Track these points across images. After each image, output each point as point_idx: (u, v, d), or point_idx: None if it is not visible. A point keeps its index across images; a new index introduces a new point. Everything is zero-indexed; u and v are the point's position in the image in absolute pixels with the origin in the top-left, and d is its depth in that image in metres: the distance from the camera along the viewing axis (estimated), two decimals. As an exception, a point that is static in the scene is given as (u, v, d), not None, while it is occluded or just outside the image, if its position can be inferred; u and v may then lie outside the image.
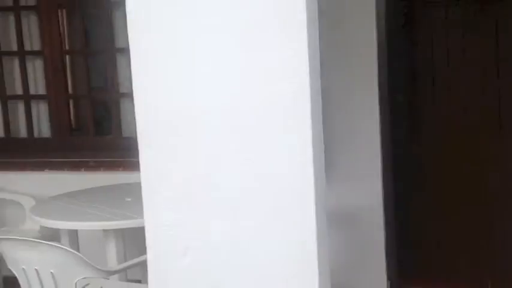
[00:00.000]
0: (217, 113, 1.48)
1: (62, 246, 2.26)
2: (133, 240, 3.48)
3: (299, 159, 1.45)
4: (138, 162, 4.16)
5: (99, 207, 3.13)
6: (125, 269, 2.59)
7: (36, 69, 4.26)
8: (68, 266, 2.27)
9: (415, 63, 3.93)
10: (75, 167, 4.00)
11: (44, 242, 2.28)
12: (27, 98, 4.23)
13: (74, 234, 3.17)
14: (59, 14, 4.21)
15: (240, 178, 1.49)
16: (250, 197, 1.49)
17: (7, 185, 4.03)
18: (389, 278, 3.74)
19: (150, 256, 1.59)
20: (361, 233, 3.68)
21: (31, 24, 4.22)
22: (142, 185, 1.60)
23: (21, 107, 4.29)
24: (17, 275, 2.43)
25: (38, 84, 4.28)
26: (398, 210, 3.92)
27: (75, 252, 2.26)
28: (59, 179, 3.97)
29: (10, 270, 3.82)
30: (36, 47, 4.22)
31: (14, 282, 3.62)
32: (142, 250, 2.99)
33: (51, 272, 2.29)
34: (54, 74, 4.12)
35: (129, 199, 3.29)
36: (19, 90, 4.27)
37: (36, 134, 4.29)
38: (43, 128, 4.33)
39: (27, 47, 4.20)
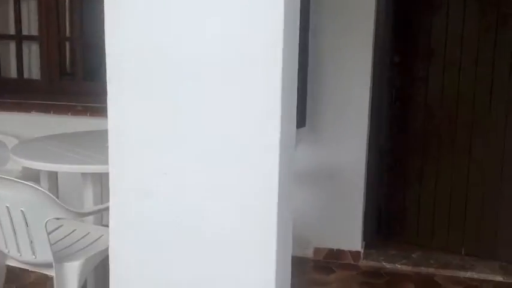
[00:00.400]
0: (190, 55, 1.47)
1: (33, 185, 2.27)
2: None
3: (266, 109, 1.44)
4: None
5: (80, 151, 3.14)
6: (95, 212, 2.62)
7: (31, 10, 4.22)
8: (39, 206, 2.29)
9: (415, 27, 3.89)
10: (62, 110, 4.01)
11: (15, 179, 2.29)
12: (19, 38, 4.20)
13: (53, 176, 3.19)
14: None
15: (205, 125, 1.49)
16: (215, 145, 1.50)
17: (-6, 125, 4.05)
18: (364, 238, 3.81)
19: (113, 198, 1.62)
20: (342, 191, 3.74)
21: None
22: (109, 127, 1.61)
23: (13, 47, 4.27)
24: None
25: (31, 25, 4.25)
26: (381, 171, 3.96)
27: (46, 192, 2.27)
28: (45, 121, 3.99)
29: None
30: (30, -14, 4.18)
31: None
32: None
33: (21, 210, 2.32)
34: (47, 15, 4.08)
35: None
36: (12, 30, 4.24)
37: (26, 75, 4.28)
38: (33, 69, 4.32)
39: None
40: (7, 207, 2.35)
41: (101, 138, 3.52)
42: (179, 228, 1.56)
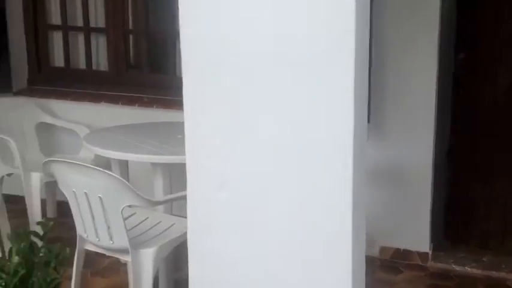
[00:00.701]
0: (264, 49, 1.47)
1: (111, 173, 2.34)
2: (181, 177, 3.57)
3: (340, 109, 1.43)
4: None
5: (151, 141, 3.21)
6: (168, 201, 2.67)
7: (98, 2, 4.32)
8: (115, 193, 2.36)
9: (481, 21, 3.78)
10: (130, 101, 4.10)
11: (93, 167, 2.37)
12: (87, 30, 4.32)
13: (124, 165, 3.28)
14: None
15: (279, 121, 1.49)
16: (288, 140, 1.49)
17: (65, 114, 4.18)
18: (432, 239, 3.73)
19: (190, 188, 1.64)
20: (408, 189, 3.67)
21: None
22: (185, 118, 1.63)
23: (81, 39, 4.38)
24: (67, 196, 2.54)
25: (98, 18, 4.34)
26: (448, 170, 3.86)
27: (123, 180, 2.34)
28: (113, 112, 4.09)
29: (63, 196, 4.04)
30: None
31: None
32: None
33: (99, 197, 2.39)
34: (113, 8, 4.16)
35: (180, 136, 3.36)
36: (80, 23, 4.36)
37: (94, 67, 4.39)
38: (101, 61, 4.42)
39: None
40: (85, 193, 2.42)
41: (169, 129, 3.60)
42: (254, 219, 1.57)
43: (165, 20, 4.43)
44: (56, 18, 4.36)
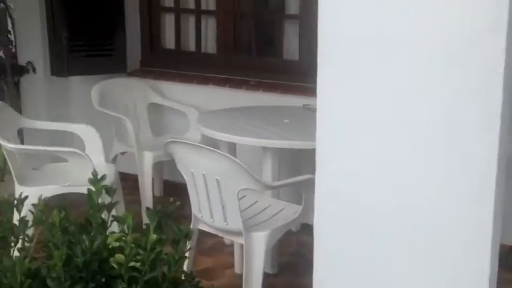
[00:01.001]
0: (409, 40, 1.43)
1: (230, 156, 2.38)
2: (288, 162, 3.59)
3: (486, 93, 1.37)
4: (296, 86, 4.20)
5: (260, 125, 3.24)
6: (284, 186, 2.67)
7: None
8: (233, 175, 2.40)
9: None
10: (237, 84, 4.14)
11: (214, 149, 2.41)
12: (198, 12, 4.40)
13: (232, 148, 3.33)
14: None
15: (418, 110, 1.45)
16: (428, 131, 1.45)
17: (174, 96, 4.29)
18: None
19: (319, 177, 1.63)
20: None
21: None
22: (318, 106, 1.61)
23: (192, 21, 4.47)
24: (185, 176, 2.62)
25: (209, 0, 4.41)
26: None
27: (241, 163, 2.37)
28: (220, 94, 4.15)
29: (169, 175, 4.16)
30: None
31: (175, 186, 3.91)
32: (295, 171, 3.04)
33: (216, 179, 2.44)
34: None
35: (287, 121, 3.37)
36: (192, 5, 4.44)
37: (203, 49, 4.47)
38: (209, 43, 4.49)
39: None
40: (203, 174, 2.48)
41: (276, 113, 3.62)
42: (385, 211, 1.53)
43: (272, 3, 4.43)
44: (168, 1, 4.48)
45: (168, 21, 4.53)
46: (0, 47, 4.60)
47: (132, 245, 1.57)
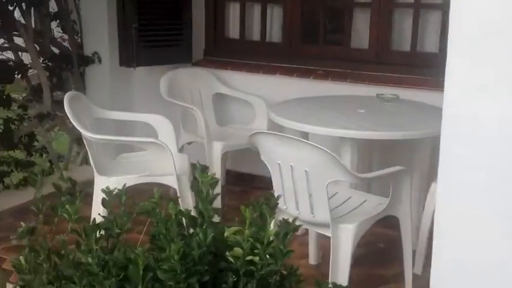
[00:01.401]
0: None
1: (321, 147, 2.33)
2: (364, 152, 3.51)
3: None
4: (367, 75, 4.09)
5: (335, 115, 3.18)
6: (376, 178, 2.62)
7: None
8: (323, 167, 2.35)
9: None
10: (305, 74, 4.09)
11: (304, 140, 2.37)
12: (264, 2, 4.35)
13: (305, 139, 3.28)
14: None
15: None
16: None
17: (240, 85, 4.26)
18: None
19: (443, 166, 1.57)
20: None
21: None
22: (445, 97, 1.54)
23: (257, 10, 4.43)
24: (270, 168, 2.58)
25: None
26: None
27: (332, 153, 2.32)
28: (287, 83, 4.10)
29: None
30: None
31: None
32: (379, 163, 2.94)
33: (305, 171, 2.40)
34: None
35: (362, 111, 3.31)
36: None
37: (267, 39, 4.43)
38: (274, 33, 4.45)
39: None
40: (291, 166, 2.44)
41: (349, 103, 3.55)
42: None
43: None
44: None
45: (232, 11, 4.50)
46: (66, 38, 4.64)
47: (250, 239, 1.55)
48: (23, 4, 4.16)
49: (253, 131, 3.98)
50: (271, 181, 3.87)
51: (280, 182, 2.53)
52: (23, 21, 4.22)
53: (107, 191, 1.82)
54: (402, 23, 4.00)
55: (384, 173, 2.50)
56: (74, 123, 2.91)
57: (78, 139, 4.73)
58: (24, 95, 4.55)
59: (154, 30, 4.09)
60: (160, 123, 3.38)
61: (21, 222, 1.71)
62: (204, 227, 1.63)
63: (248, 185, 4.33)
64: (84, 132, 2.91)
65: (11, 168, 4.31)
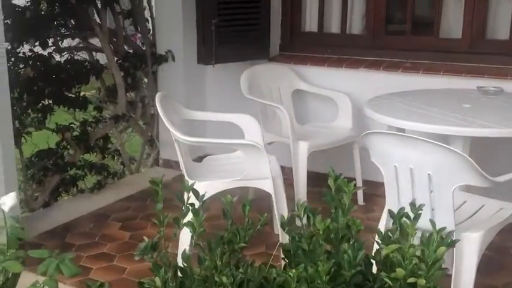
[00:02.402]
0: None
1: (450, 148, 2.09)
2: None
3: None
4: (461, 66, 3.76)
5: (438, 111, 2.93)
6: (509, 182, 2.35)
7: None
8: (451, 170, 2.11)
9: None
10: (392, 66, 3.84)
11: (428, 140, 2.13)
12: (345, -6, 4.13)
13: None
14: None
15: None
16: None
17: (321, 81, 4.05)
18: None
19: None
20: None
21: None
22: None
23: (336, 2, 4.20)
24: (383, 171, 2.36)
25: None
26: None
27: (465, 155, 2.07)
28: (374, 78, 3.87)
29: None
30: None
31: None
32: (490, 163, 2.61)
33: (428, 174, 2.17)
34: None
35: (468, 105, 3.05)
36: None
37: (347, 31, 4.20)
38: (354, 25, 4.21)
39: None
40: (411, 168, 2.22)
41: (451, 97, 3.29)
42: None
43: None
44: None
45: (309, 3, 4.29)
46: (139, 36, 4.53)
47: (414, 259, 1.34)
48: (99, 3, 4.05)
49: (336, 128, 3.85)
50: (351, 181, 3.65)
51: (396, 186, 2.30)
52: (97, 21, 4.12)
53: (227, 201, 1.63)
54: (498, 9, 3.71)
55: (518, 175, 2.25)
56: (168, 126, 2.76)
57: (150, 140, 4.64)
58: (97, 96, 4.46)
59: (233, 25, 3.91)
60: (248, 123, 3.20)
61: (144, 237, 1.55)
62: (352, 242, 1.44)
63: (323, 186, 4.11)
64: (179, 135, 2.75)
65: (84, 172, 4.23)
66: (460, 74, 3.59)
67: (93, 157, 4.32)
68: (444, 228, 1.44)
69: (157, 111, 2.84)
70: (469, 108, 3.00)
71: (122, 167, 4.54)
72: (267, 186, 2.83)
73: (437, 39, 3.87)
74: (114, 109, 4.28)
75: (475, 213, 2.45)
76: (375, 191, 3.78)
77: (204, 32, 3.86)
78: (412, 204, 1.64)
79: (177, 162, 4.48)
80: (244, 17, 4.01)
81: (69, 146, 3.96)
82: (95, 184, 4.13)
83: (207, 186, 2.62)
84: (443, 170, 2.13)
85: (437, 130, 2.69)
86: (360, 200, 3.83)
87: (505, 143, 2.88)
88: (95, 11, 4.12)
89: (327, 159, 3.87)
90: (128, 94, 4.34)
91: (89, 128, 4.05)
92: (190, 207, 1.61)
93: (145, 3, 4.36)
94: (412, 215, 1.56)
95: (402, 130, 2.91)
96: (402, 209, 1.60)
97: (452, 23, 3.85)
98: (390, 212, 1.63)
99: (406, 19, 3.95)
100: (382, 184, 2.40)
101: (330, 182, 1.65)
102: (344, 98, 3.85)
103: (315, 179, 4.16)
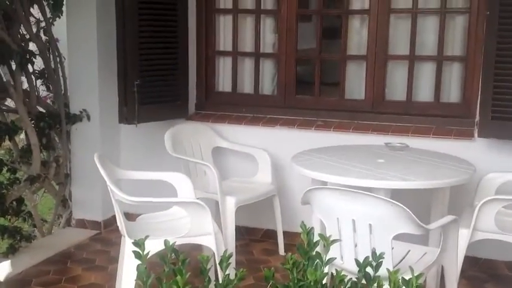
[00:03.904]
0: None
1: (389, 199, 2.36)
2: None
3: None
4: (365, 124, 4.12)
5: (357, 165, 3.23)
6: (439, 228, 2.65)
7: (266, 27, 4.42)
8: (390, 219, 2.37)
9: None
10: (305, 124, 4.14)
11: (369, 193, 2.38)
12: (257, 54, 4.41)
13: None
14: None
15: None
16: None
17: (239, 138, 4.25)
18: None
19: None
20: None
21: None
22: None
23: (248, 63, 4.47)
24: (326, 223, 2.58)
25: (266, 42, 4.43)
26: None
27: (401, 205, 2.34)
28: (290, 135, 4.14)
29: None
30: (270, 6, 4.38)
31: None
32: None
33: (369, 224, 2.41)
34: (288, 33, 4.24)
35: (382, 160, 3.38)
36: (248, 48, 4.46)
37: (260, 91, 4.47)
38: (266, 86, 4.49)
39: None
40: (353, 220, 2.45)
41: (364, 153, 3.61)
42: None
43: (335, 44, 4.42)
44: (225, 45, 4.48)
45: (223, 65, 4.52)
46: (50, 96, 4.48)
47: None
48: (13, 63, 3.99)
49: (257, 183, 4.05)
50: (266, 233, 3.84)
51: (338, 237, 2.52)
52: (11, 82, 4.04)
53: (204, 259, 1.71)
54: (394, 74, 4.17)
55: (444, 222, 2.56)
56: (111, 186, 2.79)
57: (63, 200, 4.53)
58: (7, 156, 4.32)
59: (153, 86, 4.03)
60: (180, 181, 3.30)
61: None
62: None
63: (246, 238, 4.28)
64: (122, 195, 2.79)
65: (-5, 236, 4.04)
66: (367, 131, 3.97)
67: (4, 220, 4.14)
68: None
69: (99, 171, 2.86)
70: (383, 163, 3.33)
71: (33, 229, 4.37)
72: (209, 241, 2.93)
73: (344, 99, 4.25)
74: (27, 170, 4.16)
75: (403, 258, 2.73)
76: (294, 241, 4.02)
77: (125, 92, 3.94)
78: (373, 253, 1.84)
79: (91, 222, 4.48)
80: (163, 78, 4.14)
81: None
82: (8, 248, 3.96)
83: (151, 245, 2.67)
84: (383, 220, 2.38)
85: (362, 183, 2.96)
86: (281, 250, 4.03)
87: (420, 194, 3.23)
88: (8, 72, 4.05)
89: (250, 213, 4.07)
90: (41, 154, 4.24)
91: (4, 191, 3.90)
92: (173, 267, 1.66)
93: (56, 64, 4.34)
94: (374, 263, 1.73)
95: (325, 183, 3.18)
96: (367, 257, 1.79)
97: (355, 85, 4.25)
98: (356, 261, 1.81)
99: (315, 81, 4.30)
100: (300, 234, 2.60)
101: (303, 236, 1.80)
102: (263, 154, 4.08)
103: (240, 233, 4.31)
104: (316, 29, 4.26)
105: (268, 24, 4.42)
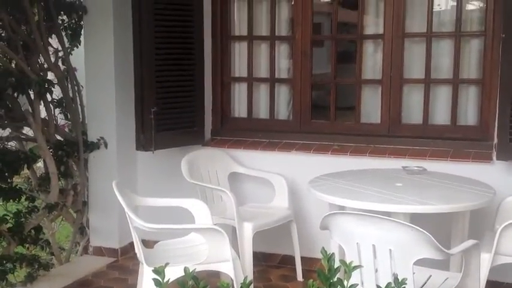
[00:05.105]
0: None
1: (409, 224, 2.33)
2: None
3: None
4: (383, 148, 4.12)
5: (375, 190, 3.21)
6: (461, 252, 2.62)
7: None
8: (411, 244, 2.35)
9: None
10: (321, 149, 4.14)
11: (389, 218, 2.36)
12: (273, 80, 4.43)
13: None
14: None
15: None
16: None
17: (256, 164, 4.25)
18: None
19: None
20: None
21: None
22: None
23: (264, 89, 4.50)
24: (344, 248, 2.55)
25: (281, 68, 4.47)
26: None
27: (422, 230, 2.32)
28: (306, 160, 4.13)
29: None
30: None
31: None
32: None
33: (389, 249, 2.39)
34: (303, 58, 4.27)
35: (400, 184, 3.37)
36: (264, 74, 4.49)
37: (275, 116, 4.49)
38: (281, 111, 4.51)
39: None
40: (373, 245, 2.43)
41: (382, 177, 3.59)
42: None
43: (350, 69, 4.44)
44: (240, 71, 4.52)
45: (238, 91, 4.56)
46: (68, 124, 4.53)
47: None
48: (31, 92, 4.05)
49: (274, 208, 4.04)
50: (284, 259, 3.77)
51: (358, 262, 2.50)
52: (30, 110, 4.09)
53: (224, 285, 1.71)
54: (410, 97, 4.17)
55: (465, 247, 2.53)
56: (129, 214, 2.80)
57: (80, 228, 4.55)
58: (26, 185, 4.35)
59: (170, 113, 4.07)
60: (197, 207, 3.30)
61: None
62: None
63: (263, 264, 4.25)
64: (141, 223, 2.79)
65: (14, 265, 4.04)
66: (384, 155, 3.96)
67: (23, 248, 4.16)
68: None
69: (118, 199, 2.87)
70: (401, 187, 3.31)
71: (51, 257, 4.38)
72: (227, 268, 2.92)
73: (360, 123, 4.25)
74: (45, 198, 4.19)
75: (425, 283, 2.70)
76: (312, 267, 3.99)
77: (142, 120, 3.97)
78: (396, 279, 1.82)
79: (109, 249, 4.48)
80: (180, 105, 4.18)
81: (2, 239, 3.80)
82: (26, 277, 3.96)
83: (170, 272, 2.66)
84: (403, 245, 2.36)
85: (380, 208, 2.95)
86: (299, 276, 3.99)
87: (439, 218, 3.20)
88: (26, 101, 4.11)
89: (267, 238, 4.05)
90: (59, 182, 4.27)
91: (23, 219, 3.92)
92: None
93: (74, 93, 4.40)
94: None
95: (342, 208, 3.16)
96: (389, 284, 1.77)
97: (371, 109, 4.25)
98: (378, 287, 1.79)
99: (330, 105, 4.31)
100: (319, 260, 2.58)
101: (324, 261, 1.79)
102: (280, 179, 4.07)
103: (257, 259, 4.29)
104: (330, 53, 4.29)
105: (282, 50, 4.46)
